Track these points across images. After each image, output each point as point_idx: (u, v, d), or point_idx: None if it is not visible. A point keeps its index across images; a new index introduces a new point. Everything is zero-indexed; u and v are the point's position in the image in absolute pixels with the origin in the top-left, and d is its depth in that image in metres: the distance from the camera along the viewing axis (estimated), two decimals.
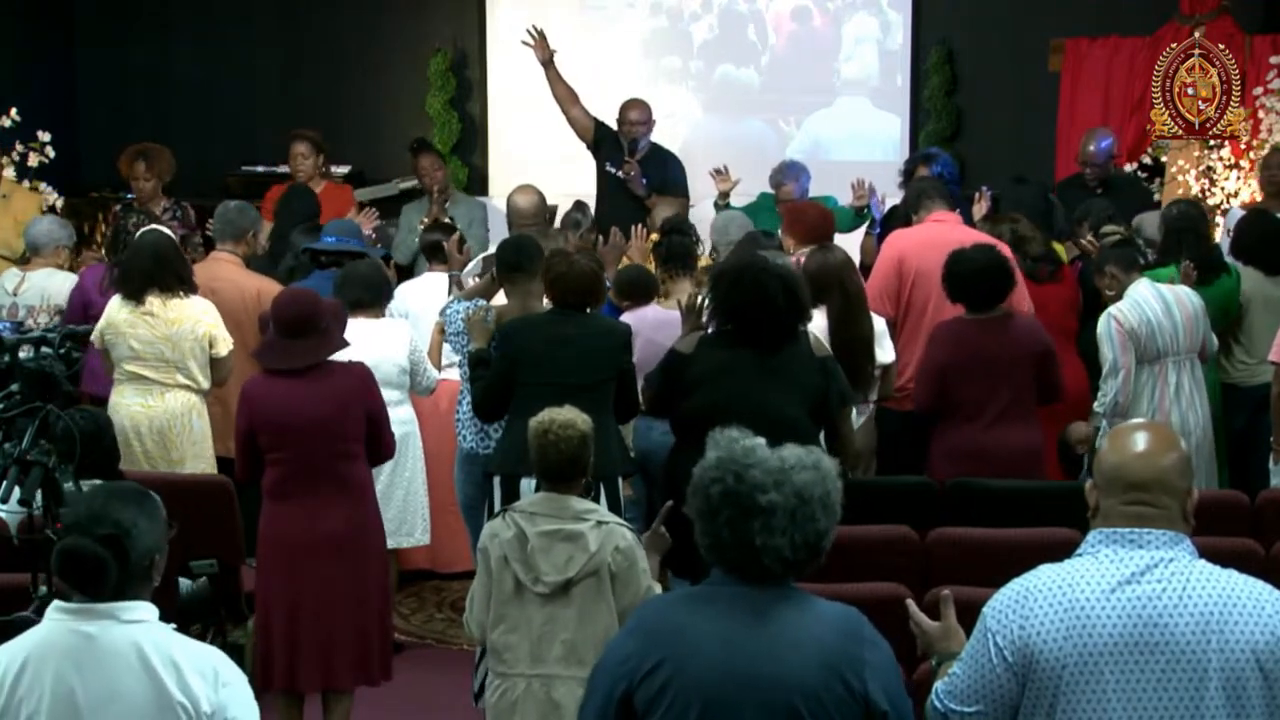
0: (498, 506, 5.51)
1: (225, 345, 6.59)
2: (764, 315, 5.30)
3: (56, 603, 3.15)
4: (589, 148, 9.01)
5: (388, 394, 6.11)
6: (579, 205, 8.10)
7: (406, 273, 8.39)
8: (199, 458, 6.60)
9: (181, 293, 6.54)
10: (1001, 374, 6.13)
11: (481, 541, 4.62)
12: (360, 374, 5.51)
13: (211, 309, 6.63)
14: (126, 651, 3.08)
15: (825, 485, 2.97)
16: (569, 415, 4.56)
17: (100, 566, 3.07)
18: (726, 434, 3.03)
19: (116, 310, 6.57)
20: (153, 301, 6.51)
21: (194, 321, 6.54)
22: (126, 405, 6.42)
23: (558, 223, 7.96)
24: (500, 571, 4.51)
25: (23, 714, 3.07)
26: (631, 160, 8.67)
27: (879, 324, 6.42)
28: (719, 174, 8.66)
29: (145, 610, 3.13)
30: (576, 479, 4.57)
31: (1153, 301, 6.58)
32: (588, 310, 5.79)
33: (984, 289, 6.19)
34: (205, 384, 6.61)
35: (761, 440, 3.01)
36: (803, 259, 6.38)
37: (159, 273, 6.52)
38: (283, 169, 9.39)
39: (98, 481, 5.25)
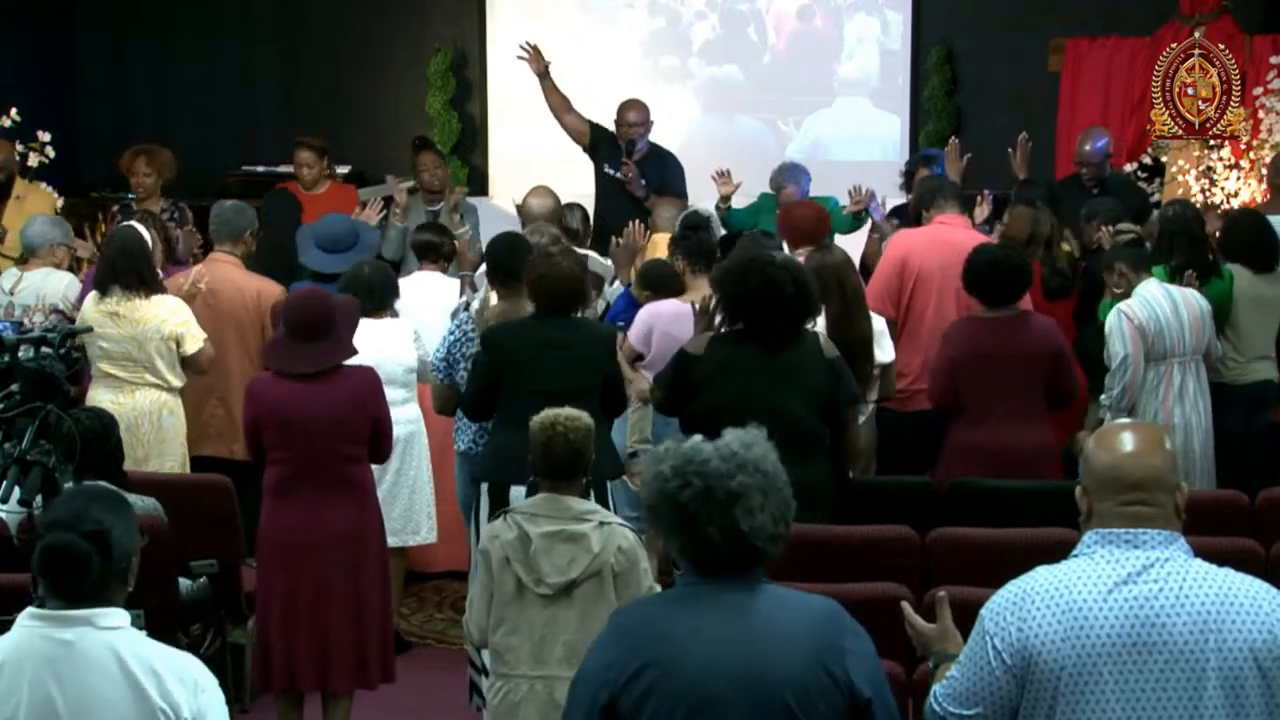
0: (484, 513, 5.51)
1: (194, 343, 6.58)
2: (773, 308, 5.27)
3: (30, 609, 3.11)
4: (586, 151, 9.00)
5: (393, 393, 6.10)
6: (571, 208, 8.05)
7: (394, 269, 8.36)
8: (165, 455, 6.57)
9: (144, 293, 6.53)
10: (1013, 373, 6.12)
11: (482, 543, 4.60)
12: (370, 379, 5.48)
13: (181, 308, 6.62)
14: (105, 659, 3.04)
15: (771, 454, 2.99)
16: (573, 411, 4.55)
17: (84, 563, 3.04)
18: (664, 445, 3.02)
19: (88, 306, 6.60)
20: (118, 300, 6.52)
21: (159, 321, 6.53)
22: (99, 402, 6.40)
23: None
24: (501, 573, 4.49)
25: None
26: (629, 162, 8.67)
27: (878, 323, 6.42)
28: (721, 177, 8.66)
29: (120, 616, 3.10)
30: (578, 477, 4.55)
31: (1161, 301, 6.59)
32: (573, 313, 5.72)
33: (997, 283, 6.19)
34: (176, 382, 6.62)
35: (698, 436, 3.01)
36: (802, 259, 6.36)
37: (121, 267, 6.53)
38: (283, 168, 9.40)
39: (102, 482, 5.29)
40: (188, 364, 6.63)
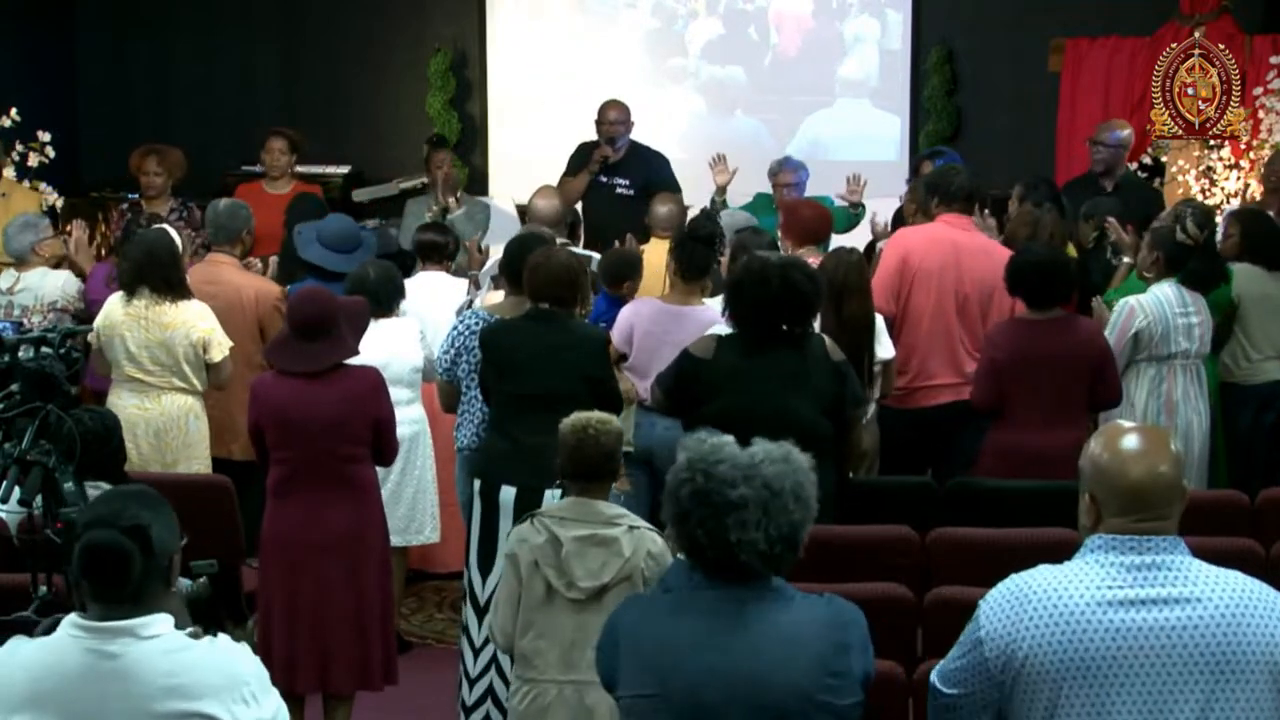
0: (477, 509, 5.51)
1: (220, 350, 6.58)
2: (788, 310, 5.27)
3: (74, 617, 3.08)
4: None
5: (398, 393, 6.09)
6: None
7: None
8: (193, 459, 6.60)
9: (171, 298, 6.54)
10: (1056, 375, 6.12)
11: (509, 547, 4.55)
12: (372, 380, 5.46)
13: (208, 314, 6.62)
14: (150, 671, 3.03)
15: (796, 476, 2.96)
16: (604, 414, 4.53)
17: (125, 559, 3.02)
18: (696, 436, 3.01)
19: (113, 309, 6.59)
20: (146, 304, 6.52)
21: (188, 327, 6.54)
22: (124, 406, 6.40)
23: None
24: (530, 577, 4.44)
25: None
26: (603, 147, 8.72)
27: (878, 321, 6.41)
28: (717, 163, 8.69)
29: (162, 623, 3.08)
30: (608, 479, 4.52)
31: (1173, 301, 6.58)
32: (569, 308, 5.68)
33: (1041, 284, 6.17)
34: (201, 386, 6.63)
35: (730, 438, 2.99)
36: (813, 262, 6.32)
37: (149, 271, 6.53)
38: None
39: (103, 483, 5.28)
40: (211, 371, 6.62)
